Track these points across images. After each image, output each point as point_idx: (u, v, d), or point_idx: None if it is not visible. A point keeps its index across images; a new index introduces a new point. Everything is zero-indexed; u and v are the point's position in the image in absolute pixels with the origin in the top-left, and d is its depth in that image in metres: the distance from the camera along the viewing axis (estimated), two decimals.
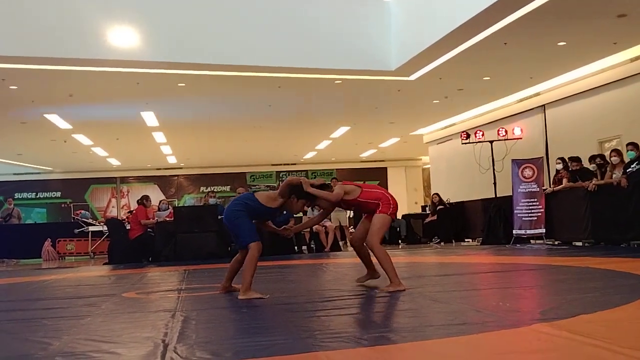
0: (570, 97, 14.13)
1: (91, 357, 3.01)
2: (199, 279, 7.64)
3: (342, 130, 19.08)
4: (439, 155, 21.18)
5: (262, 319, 4.10)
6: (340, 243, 14.68)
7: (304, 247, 14.18)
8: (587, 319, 3.37)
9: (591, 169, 11.25)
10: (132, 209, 17.52)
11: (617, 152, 10.57)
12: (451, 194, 17.01)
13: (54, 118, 15.24)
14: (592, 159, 11.32)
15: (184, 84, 12.54)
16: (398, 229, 17.11)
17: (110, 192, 26.94)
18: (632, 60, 12.05)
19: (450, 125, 19.20)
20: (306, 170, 27.01)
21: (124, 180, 26.78)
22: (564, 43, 11.10)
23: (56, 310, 4.99)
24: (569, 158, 11.82)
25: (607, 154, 11.09)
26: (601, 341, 2.74)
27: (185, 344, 3.16)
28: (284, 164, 26.61)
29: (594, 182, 10.68)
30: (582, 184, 11.01)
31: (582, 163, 11.52)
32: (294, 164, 26.75)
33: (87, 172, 25.78)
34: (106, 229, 15.20)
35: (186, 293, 5.82)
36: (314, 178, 26.40)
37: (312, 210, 14.24)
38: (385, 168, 27.73)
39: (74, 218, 17.67)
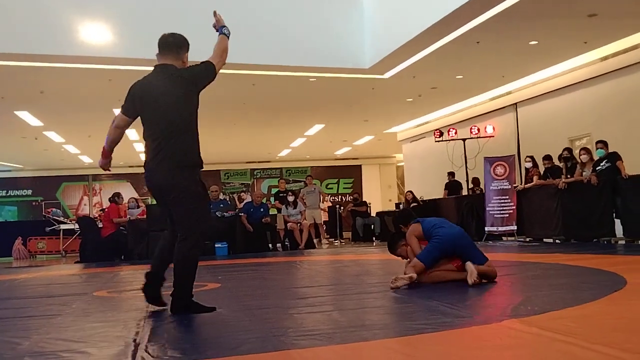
0: (542, 95, 14.31)
1: (61, 357, 2.97)
2: (172, 278, 7.58)
3: (317, 128, 19.10)
4: (412, 153, 21.30)
5: (234, 317, 4.08)
6: (315, 241, 14.69)
7: (279, 245, 14.16)
8: (557, 315, 3.41)
9: (561, 166, 11.40)
10: (104, 207, 17.36)
11: (586, 150, 10.72)
12: (425, 192, 17.12)
13: (25, 115, 15.02)
14: (561, 158, 11.46)
15: None
16: (372, 226, 17.18)
17: (82, 190, 26.65)
18: (602, 59, 12.22)
19: (424, 124, 19.32)
20: (281, 168, 26.99)
21: (96, 177, 26.50)
22: (536, 42, 11.23)
23: (26, 309, 4.92)
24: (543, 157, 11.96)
25: (576, 152, 11.25)
26: (571, 337, 2.77)
27: (157, 343, 3.14)
28: (259, 162, 26.54)
29: (563, 180, 10.82)
30: (553, 182, 11.15)
31: (553, 161, 11.66)
32: (269, 162, 26.70)
33: (59, 170, 25.47)
34: (78, 227, 15.05)
35: None
36: (289, 176, 26.50)
37: (287, 208, 14.27)
38: (360, 166, 27.80)
39: (45, 216, 17.45)
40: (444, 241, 5.22)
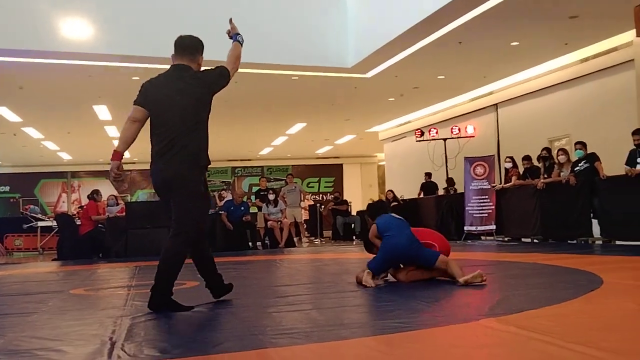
0: (522, 96, 14.42)
1: (36, 355, 2.93)
2: (150, 276, 7.48)
3: (299, 126, 19.09)
4: (393, 153, 21.36)
5: (212, 315, 4.07)
6: (295, 239, 14.68)
7: (259, 243, 14.13)
8: (533, 314, 3.43)
9: (540, 166, 11.49)
10: (82, 204, 17.22)
11: (563, 151, 10.82)
12: (405, 191, 17.18)
13: (3, 111, 14.87)
14: (540, 157, 11.55)
15: (137, 78, 12.34)
16: (352, 225, 17.21)
17: (61, 187, 26.44)
18: (582, 61, 12.34)
19: (405, 123, 19.39)
20: (262, 167, 26.94)
21: (75, 174, 26.30)
22: (517, 43, 11.30)
23: (1, 307, 4.87)
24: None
25: (554, 153, 11.35)
26: (547, 336, 2.79)
27: (133, 342, 3.11)
28: (240, 160, 26.49)
29: (542, 180, 10.90)
30: (532, 182, 11.23)
31: (532, 161, 11.75)
32: (250, 160, 26.65)
33: (37, 167, 25.25)
34: (56, 224, 14.89)
35: (136, 290, 5.74)
36: (270, 174, 26.46)
37: (267, 207, 14.24)
38: (341, 165, 27.86)
39: (22, 213, 17.24)
40: (386, 253, 5.26)
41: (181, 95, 4.20)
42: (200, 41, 4.43)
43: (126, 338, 3.22)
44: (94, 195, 13.00)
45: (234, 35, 4.64)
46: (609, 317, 3.37)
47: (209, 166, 4.37)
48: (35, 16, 10.62)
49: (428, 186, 16.17)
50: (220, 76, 4.35)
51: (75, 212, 17.75)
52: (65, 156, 23.16)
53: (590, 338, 2.75)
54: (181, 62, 4.33)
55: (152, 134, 4.26)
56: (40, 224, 15.99)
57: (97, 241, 12.62)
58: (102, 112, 15.51)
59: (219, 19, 11.50)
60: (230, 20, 4.70)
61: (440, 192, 15.75)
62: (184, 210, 4.17)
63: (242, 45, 4.64)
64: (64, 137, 19.34)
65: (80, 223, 12.98)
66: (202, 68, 4.44)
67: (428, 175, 16.37)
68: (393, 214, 5.71)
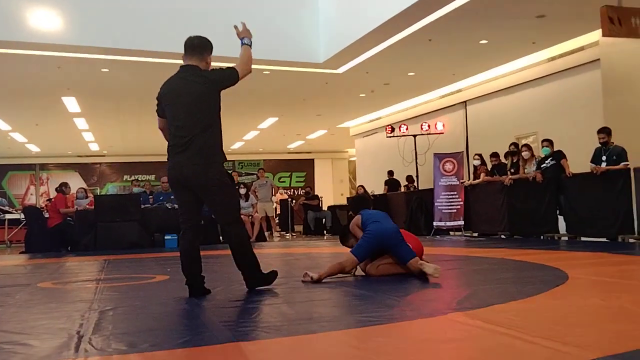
0: (491, 94, 14.57)
1: (2, 349, 2.89)
2: (119, 269, 7.49)
3: (270, 121, 19.04)
4: (364, 148, 21.44)
5: (182, 309, 4.06)
6: (266, 234, 14.67)
7: None
8: (500, 309, 3.47)
9: (507, 162, 11.63)
10: (51, 197, 17.00)
11: (527, 147, 10.98)
12: (376, 186, 17.28)
13: None
14: (507, 154, 11.69)
15: (107, 70, 12.22)
16: (324, 220, 17.25)
17: (29, 179, 26.02)
18: (550, 60, 12.50)
19: (376, 119, 19.47)
20: (233, 161, 26.82)
21: (43, 167, 25.90)
22: (486, 41, 11.41)
23: None
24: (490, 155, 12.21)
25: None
26: (513, 330, 2.83)
27: (101, 335, 3.09)
28: None
29: (509, 176, 11.04)
30: (499, 179, 11.37)
31: (500, 158, 11.89)
32: None
33: (5, 158, 24.82)
34: (24, 217, 14.68)
35: (105, 283, 5.69)
36: (241, 168, 26.35)
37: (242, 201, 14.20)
38: (313, 160, 27.86)
39: None
40: (371, 237, 5.30)
41: (184, 95, 4.41)
42: (208, 41, 4.63)
43: (94, 332, 3.19)
44: (63, 187, 12.85)
45: (240, 39, 4.83)
46: (574, 312, 3.43)
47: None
48: (3, 6, 10.44)
49: (391, 183, 16.79)
50: (229, 76, 4.54)
51: (43, 205, 17.51)
52: (34, 148, 22.81)
53: (556, 332, 2.79)
54: (190, 62, 4.53)
55: (169, 131, 4.50)
56: (7, 216, 15.78)
57: (66, 234, 12.48)
58: (71, 104, 15.31)
59: (191, 13, 11.47)
60: (235, 27, 4.89)
61: (402, 189, 16.20)
62: (223, 204, 4.47)
63: (250, 46, 4.82)
64: (32, 129, 19.04)
65: (48, 216, 12.82)
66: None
67: (390, 173, 17.29)
68: (377, 210, 5.78)
